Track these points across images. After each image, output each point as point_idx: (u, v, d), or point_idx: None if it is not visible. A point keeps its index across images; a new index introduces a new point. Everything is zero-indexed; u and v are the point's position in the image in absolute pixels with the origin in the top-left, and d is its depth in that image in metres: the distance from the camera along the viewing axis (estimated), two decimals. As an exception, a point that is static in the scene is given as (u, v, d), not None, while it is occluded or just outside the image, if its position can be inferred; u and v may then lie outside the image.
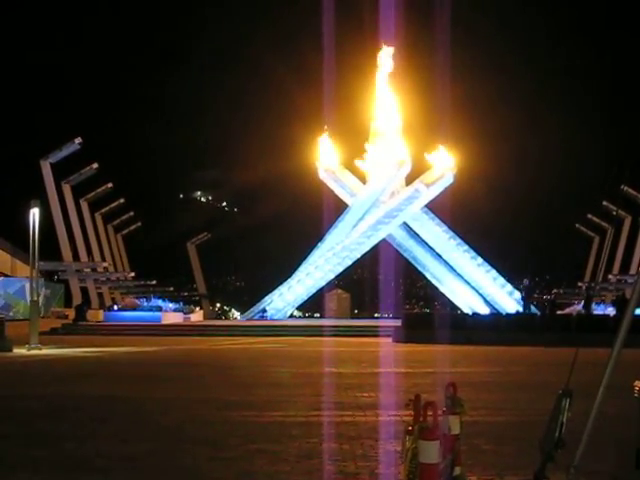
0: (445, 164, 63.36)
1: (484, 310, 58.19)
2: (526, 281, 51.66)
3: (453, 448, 6.26)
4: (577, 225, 79.11)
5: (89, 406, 14.37)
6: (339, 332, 42.51)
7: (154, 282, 76.97)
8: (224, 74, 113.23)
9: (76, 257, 62.10)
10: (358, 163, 64.81)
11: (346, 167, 66.05)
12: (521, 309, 50.86)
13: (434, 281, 68.69)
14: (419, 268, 68.81)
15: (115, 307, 58.10)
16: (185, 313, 58.55)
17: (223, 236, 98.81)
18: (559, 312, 50.25)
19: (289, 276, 63.48)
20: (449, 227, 64.48)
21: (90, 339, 38.42)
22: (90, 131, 71.91)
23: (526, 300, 49.83)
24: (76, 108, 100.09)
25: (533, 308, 51.93)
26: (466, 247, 64.09)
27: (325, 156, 65.24)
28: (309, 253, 64.54)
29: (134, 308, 55.00)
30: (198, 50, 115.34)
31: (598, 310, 50.80)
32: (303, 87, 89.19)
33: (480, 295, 63.50)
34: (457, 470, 6.36)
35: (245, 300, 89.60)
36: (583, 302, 51.85)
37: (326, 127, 66.05)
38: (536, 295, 69.78)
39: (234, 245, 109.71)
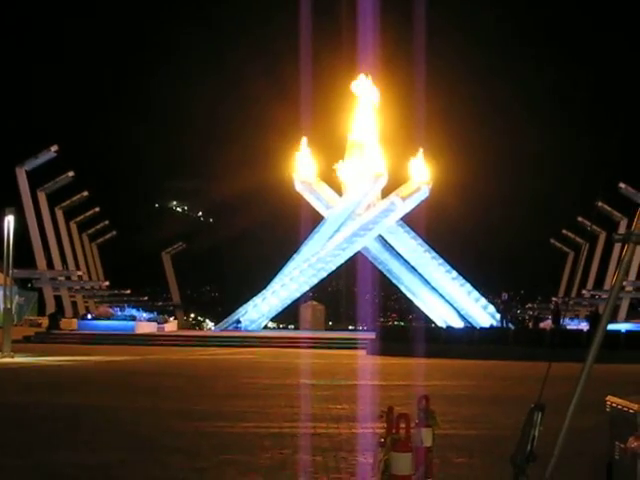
0: (421, 177, 63.54)
1: (458, 324, 58.26)
2: (504, 295, 51.40)
3: (425, 460, 6.28)
4: (552, 240, 79.40)
5: (61, 415, 14.29)
6: (314, 344, 42.41)
7: (128, 291, 76.49)
8: (202, 85, 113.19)
9: (50, 265, 61.64)
10: (337, 167, 64.34)
11: (322, 179, 66.07)
12: (497, 323, 50.72)
13: (409, 294, 68.72)
14: (394, 281, 68.80)
15: (89, 316, 57.73)
16: (159, 323, 58.22)
17: (198, 246, 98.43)
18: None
19: (264, 287, 63.28)
20: (424, 240, 64.54)
21: (63, 348, 38.20)
22: (66, 139, 71.42)
23: (504, 314, 49.71)
24: (52, 116, 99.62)
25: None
26: (441, 260, 64.21)
27: (302, 168, 65.19)
28: (284, 264, 64.40)
29: (108, 317, 54.70)
30: (178, 60, 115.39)
31: (572, 325, 50.97)
32: (281, 99, 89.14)
33: (454, 309, 63.60)
34: (429, 483, 6.37)
35: (219, 311, 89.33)
36: (552, 317, 52.05)
37: (303, 138, 65.82)
38: (518, 311, 69.69)
39: (209, 255, 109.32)
